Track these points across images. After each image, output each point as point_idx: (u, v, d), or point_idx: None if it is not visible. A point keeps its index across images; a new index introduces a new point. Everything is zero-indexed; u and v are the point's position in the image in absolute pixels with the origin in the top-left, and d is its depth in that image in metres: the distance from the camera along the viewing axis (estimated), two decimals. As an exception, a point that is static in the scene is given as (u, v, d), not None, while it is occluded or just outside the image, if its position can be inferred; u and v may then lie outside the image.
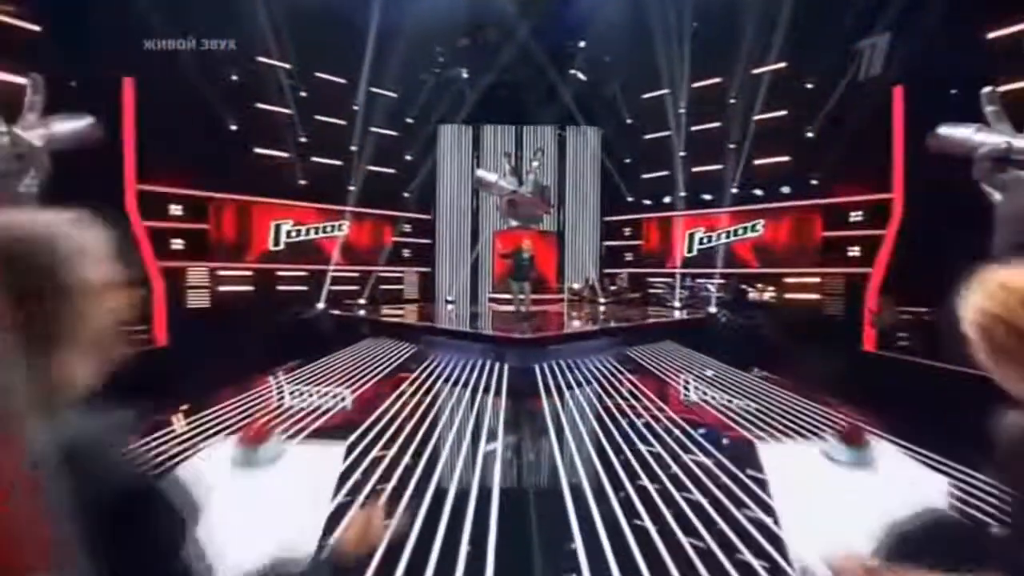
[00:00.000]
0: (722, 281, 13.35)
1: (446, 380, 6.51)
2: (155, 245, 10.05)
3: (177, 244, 11.28)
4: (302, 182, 13.22)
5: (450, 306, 14.15)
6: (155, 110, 9.38)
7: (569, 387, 6.21)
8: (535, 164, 13.59)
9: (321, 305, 12.01)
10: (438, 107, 15.48)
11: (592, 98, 15.70)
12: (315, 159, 13.10)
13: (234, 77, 11.71)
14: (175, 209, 11.24)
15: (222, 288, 11.98)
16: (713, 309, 11.53)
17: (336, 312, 11.25)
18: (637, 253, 15.38)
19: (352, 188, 14.03)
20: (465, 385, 6.28)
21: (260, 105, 12.52)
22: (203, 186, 11.54)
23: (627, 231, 15.74)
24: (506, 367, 7.21)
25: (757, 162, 12.87)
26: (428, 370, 7.03)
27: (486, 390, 6.03)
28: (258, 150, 12.62)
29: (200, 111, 10.69)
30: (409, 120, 15.39)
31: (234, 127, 11.87)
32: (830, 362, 6.24)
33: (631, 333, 9.29)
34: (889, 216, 10.08)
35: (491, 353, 7.58)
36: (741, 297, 12.24)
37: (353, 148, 13.96)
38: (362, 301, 13.85)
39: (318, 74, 13.43)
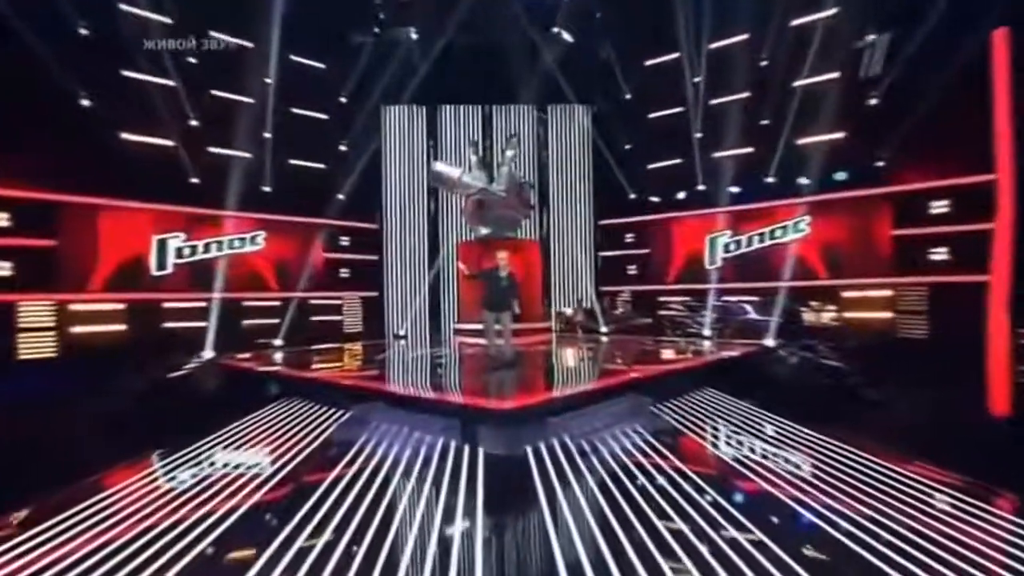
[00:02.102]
0: (755, 298, 12.47)
1: (381, 485, 4.81)
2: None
3: (2, 269, 9.28)
4: (194, 181, 11.79)
5: (401, 342, 13.29)
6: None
7: (588, 496, 4.52)
8: (509, 154, 12.71)
9: (207, 354, 10.39)
10: (380, 81, 14.47)
11: (581, 66, 14.85)
12: (212, 150, 12.08)
13: (85, 31, 9.85)
14: (0, 219, 9.41)
15: (76, 329, 10.26)
16: (771, 342, 10.12)
17: (237, 362, 9.60)
18: (643, 265, 14.96)
19: (266, 189, 12.99)
20: (410, 501, 4.58)
21: (128, 73, 10.79)
22: (45, 185, 9.77)
23: (629, 237, 15.17)
24: (480, 454, 5.36)
25: (801, 141, 11.99)
26: (352, 467, 5.28)
27: (447, 512, 4.30)
28: (128, 136, 10.89)
29: (38, 79, 9.10)
30: (342, 99, 14.46)
31: (89, 103, 10.09)
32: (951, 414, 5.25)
33: (658, 382, 7.70)
34: (991, 204, 8.48)
35: (458, 431, 5.86)
36: (796, 321, 11.16)
37: (266, 136, 12.85)
38: (278, 342, 12.44)
39: (213, 33, 11.83)
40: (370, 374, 8.54)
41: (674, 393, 7.65)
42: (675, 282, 14.26)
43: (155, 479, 5.02)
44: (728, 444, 5.89)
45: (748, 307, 12.27)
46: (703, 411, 7.10)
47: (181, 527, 3.94)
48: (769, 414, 6.80)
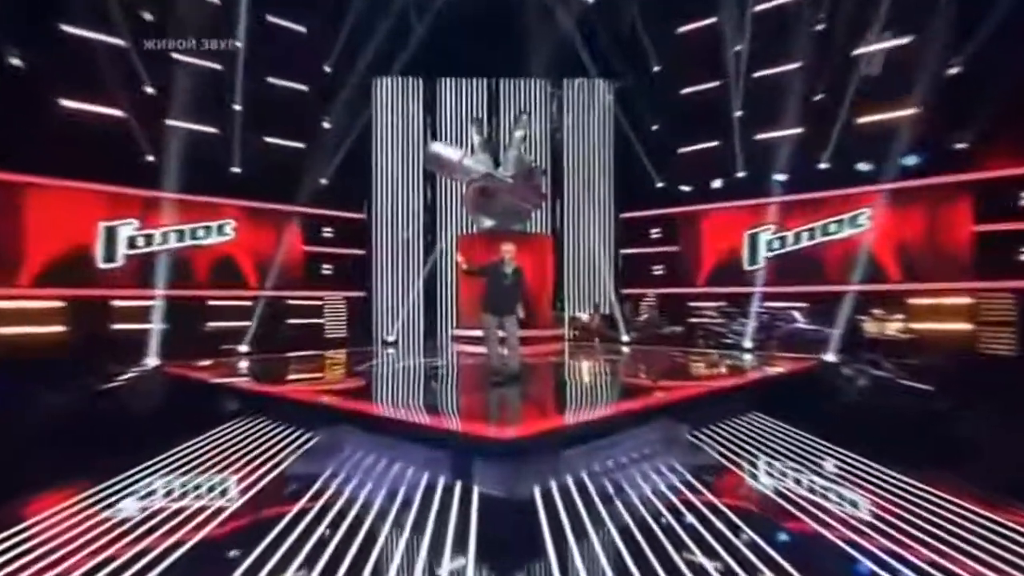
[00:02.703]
0: (802, 305, 12.20)
1: (346, 534, 4.25)
2: None
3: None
4: (149, 159, 11.50)
5: (390, 349, 13.17)
6: None
7: (610, 552, 3.97)
8: (518, 135, 12.61)
9: (152, 361, 9.95)
10: (370, 48, 14.22)
11: (602, 34, 14.66)
12: (172, 122, 11.72)
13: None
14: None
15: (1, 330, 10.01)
16: (832, 357, 9.71)
17: (187, 371, 9.27)
18: (671, 265, 14.88)
19: (236, 171, 12.78)
20: (382, 556, 4.00)
21: (68, 28, 10.51)
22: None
23: (655, 232, 15.16)
24: (475, 494, 4.80)
25: (862, 120, 11.73)
26: (310, 510, 4.76)
27: (428, 571, 3.77)
28: (68, 103, 10.64)
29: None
30: (326, 68, 14.27)
31: (17, 62, 9.85)
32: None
33: (695, 405, 7.25)
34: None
35: (447, 464, 5.31)
36: (856, 333, 10.86)
37: (235, 108, 12.62)
38: (244, 348, 12.09)
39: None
40: (347, 388, 8.18)
41: (714, 419, 7.15)
42: (709, 285, 14.16)
43: (60, 515, 4.43)
44: (786, 486, 5.28)
45: (797, 315, 12.02)
46: (751, 442, 6.55)
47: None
48: (834, 447, 6.25)
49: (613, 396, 7.67)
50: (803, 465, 5.77)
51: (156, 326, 10.98)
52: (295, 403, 7.18)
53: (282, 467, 5.62)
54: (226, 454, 6.03)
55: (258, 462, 5.75)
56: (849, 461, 5.77)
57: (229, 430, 6.81)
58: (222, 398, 7.75)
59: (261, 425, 6.99)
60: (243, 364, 10.40)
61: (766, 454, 6.09)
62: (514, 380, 7.59)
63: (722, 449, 6.24)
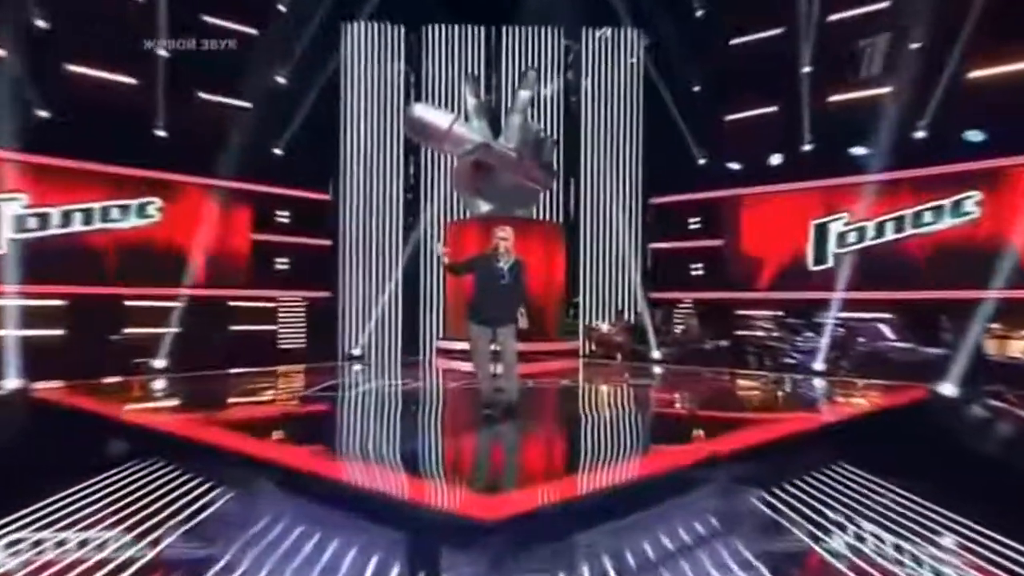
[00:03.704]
0: (888, 316, 11.96)
1: None
2: None
3: None
4: (43, 115, 11.16)
5: (357, 366, 13.37)
6: None
7: None
8: (524, 97, 12.66)
9: (10, 383, 9.41)
10: None
11: None
12: (73, 68, 11.53)
13: None
14: None
15: None
16: (948, 387, 9.11)
17: (62, 398, 8.82)
18: (714, 263, 14.76)
19: (162, 134, 12.71)
20: None
21: None
22: None
23: (695, 222, 14.98)
24: None
25: (974, 74, 11.30)
26: None
27: None
28: None
29: None
30: (280, 7, 14.12)
31: None
32: None
33: (761, 456, 6.71)
34: None
35: (401, 550, 4.61)
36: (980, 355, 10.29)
37: (160, 54, 12.45)
38: (159, 364, 11.83)
39: None
40: (277, 424, 7.91)
41: (789, 475, 6.53)
42: (762, 289, 13.95)
43: None
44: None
45: (884, 329, 11.66)
46: (849, 510, 5.86)
47: None
48: (971, 522, 5.48)
49: (646, 440, 7.47)
50: (929, 551, 5.03)
51: (6, 333, 10.50)
52: (194, 445, 6.66)
53: (159, 547, 4.93)
54: (84, 522, 5.38)
55: (126, 538, 5.06)
56: (997, 547, 4.97)
57: (98, 484, 6.18)
58: (103, 435, 7.26)
59: (150, 476, 6.39)
60: (158, 385, 10.30)
61: (874, 533, 5.35)
62: (510, 413, 7.20)
63: (810, 526, 5.51)
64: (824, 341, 11.86)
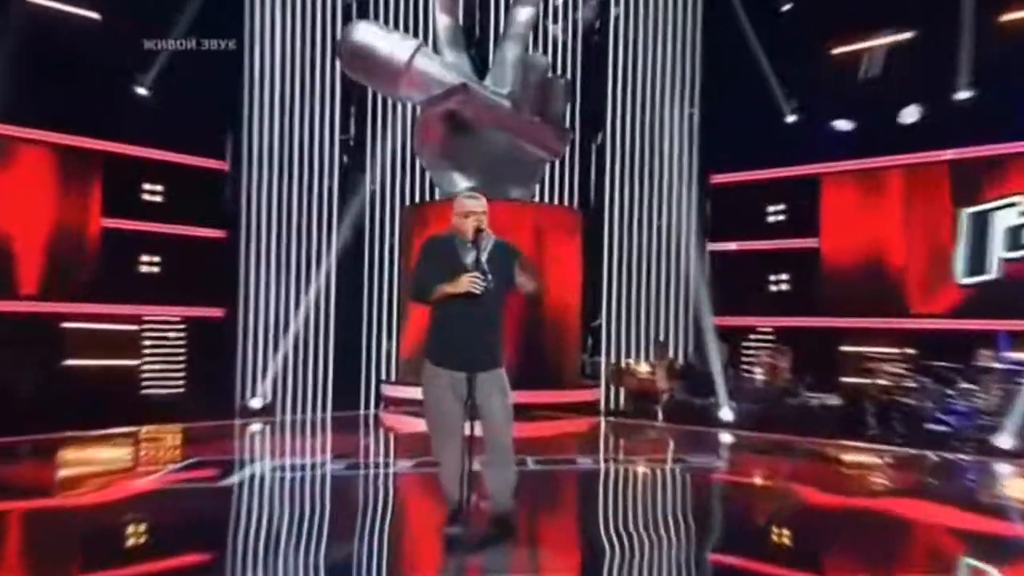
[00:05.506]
0: None
1: None
2: None
3: None
4: None
5: (257, 425, 12.29)
6: None
7: None
8: (524, 16, 12.96)
9: None
10: None
11: None
12: None
13: None
14: None
15: None
16: None
17: None
18: (807, 272, 14.09)
19: None
20: None
21: None
22: None
23: (776, 211, 14.40)
24: None
25: None
26: None
27: None
28: None
29: None
30: None
31: None
32: None
33: None
34: None
35: None
36: None
37: None
38: None
39: None
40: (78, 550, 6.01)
41: None
42: (884, 313, 13.02)
43: None
44: None
45: None
46: None
47: None
48: None
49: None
50: None
51: None
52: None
53: None
54: None
55: None
56: None
57: None
58: None
59: None
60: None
61: None
62: (496, 537, 5.24)
63: None
64: (993, 396, 10.52)
